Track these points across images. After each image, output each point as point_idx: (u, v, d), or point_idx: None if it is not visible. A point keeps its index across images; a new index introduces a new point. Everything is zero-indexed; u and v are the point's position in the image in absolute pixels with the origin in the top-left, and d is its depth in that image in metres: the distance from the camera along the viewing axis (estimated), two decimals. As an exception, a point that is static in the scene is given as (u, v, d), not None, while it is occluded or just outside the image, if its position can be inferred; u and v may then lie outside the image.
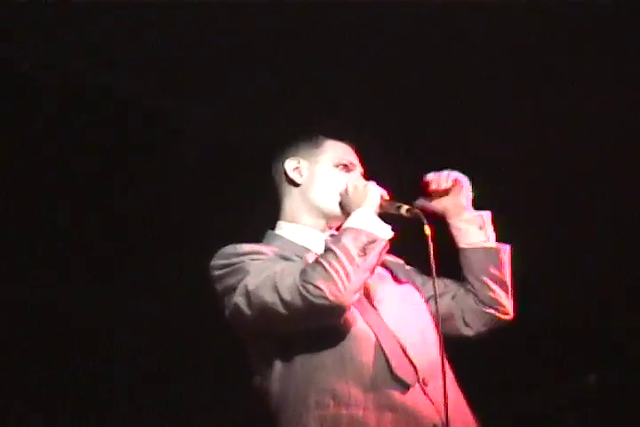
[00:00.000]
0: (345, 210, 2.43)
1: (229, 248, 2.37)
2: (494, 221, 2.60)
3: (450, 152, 3.88)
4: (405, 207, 2.40)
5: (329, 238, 2.35)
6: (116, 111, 3.64)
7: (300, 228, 2.50)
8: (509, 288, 2.54)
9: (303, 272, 2.16)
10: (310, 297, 2.12)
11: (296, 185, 2.53)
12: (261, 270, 2.25)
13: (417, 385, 2.25)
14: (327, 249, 2.21)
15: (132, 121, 3.69)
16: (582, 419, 4.83)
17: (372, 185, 2.43)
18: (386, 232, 2.26)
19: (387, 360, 2.26)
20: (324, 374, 2.22)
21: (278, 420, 2.28)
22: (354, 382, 2.22)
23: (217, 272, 2.34)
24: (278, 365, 2.29)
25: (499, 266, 2.53)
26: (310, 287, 2.12)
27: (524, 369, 4.80)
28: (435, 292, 2.34)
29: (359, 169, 2.58)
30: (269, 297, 2.18)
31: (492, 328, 2.56)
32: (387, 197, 2.44)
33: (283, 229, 2.52)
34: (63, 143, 3.57)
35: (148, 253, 3.79)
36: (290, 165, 2.54)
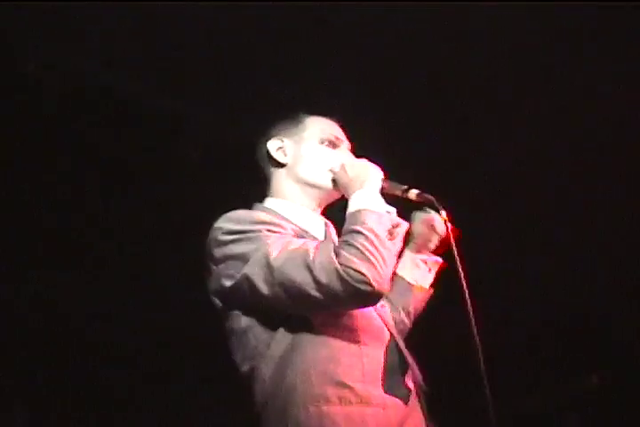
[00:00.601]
0: (342, 189, 2.33)
1: (242, 213, 2.24)
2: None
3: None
4: (415, 191, 2.32)
5: (349, 218, 2.19)
6: (115, 111, 3.63)
7: (290, 204, 2.39)
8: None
9: (338, 254, 2.06)
10: (353, 282, 2.03)
11: (282, 165, 2.43)
12: (284, 245, 2.13)
13: (414, 391, 2.24)
14: (352, 231, 2.11)
15: (131, 121, 3.68)
16: (582, 419, 4.83)
17: (371, 164, 2.34)
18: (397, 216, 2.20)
19: (404, 361, 2.24)
20: (340, 368, 2.11)
21: (269, 410, 2.12)
22: (371, 380, 2.13)
23: (225, 237, 2.19)
24: (279, 349, 2.14)
25: (425, 306, 2.61)
26: (351, 272, 2.03)
27: (523, 369, 4.81)
28: (461, 288, 2.22)
29: (346, 144, 2.49)
30: (300, 276, 2.06)
31: None
32: (384, 177, 2.35)
33: (272, 203, 2.40)
34: (63, 143, 3.57)
35: (149, 254, 3.79)
36: (273, 145, 2.44)
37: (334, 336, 2.15)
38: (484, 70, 3.63)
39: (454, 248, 2.25)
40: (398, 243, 2.15)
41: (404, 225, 2.18)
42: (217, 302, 2.25)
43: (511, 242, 4.50)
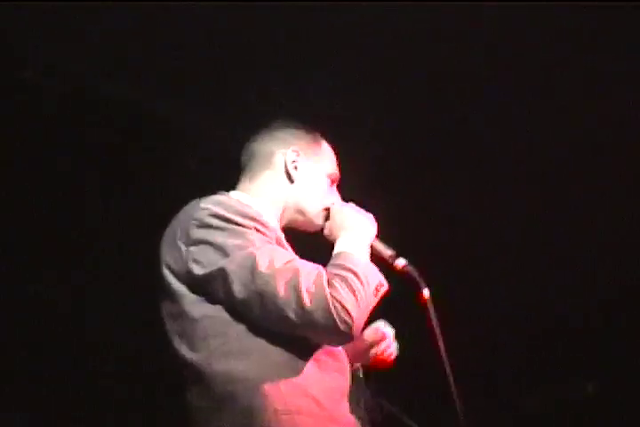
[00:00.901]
0: (331, 229, 2.24)
1: (233, 202, 2.10)
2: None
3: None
4: (403, 261, 2.26)
5: (343, 255, 2.10)
6: (115, 114, 3.63)
7: (269, 208, 2.24)
8: None
9: (332, 285, 1.97)
10: (337, 317, 1.94)
11: (286, 179, 2.29)
12: (272, 253, 2.02)
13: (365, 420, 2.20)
14: (347, 269, 2.03)
15: (131, 124, 3.68)
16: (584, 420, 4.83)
17: (370, 218, 2.26)
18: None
19: (360, 389, 2.21)
20: (308, 381, 2.02)
21: (227, 408, 1.98)
22: (335, 399, 2.06)
23: (210, 220, 2.04)
24: (235, 348, 2.01)
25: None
26: (339, 307, 1.95)
27: (523, 369, 4.82)
28: (445, 366, 2.17)
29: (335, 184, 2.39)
30: (285, 293, 1.95)
31: None
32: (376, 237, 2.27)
33: (247, 201, 2.19)
34: (63, 145, 3.57)
35: (148, 254, 3.79)
36: (291, 156, 2.29)
37: (298, 348, 2.04)
38: (484, 70, 3.64)
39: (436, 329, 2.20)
40: (376, 301, 2.07)
41: (385, 287, 2.09)
42: (173, 280, 2.08)
43: (511, 243, 4.51)
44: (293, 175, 2.29)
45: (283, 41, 3.43)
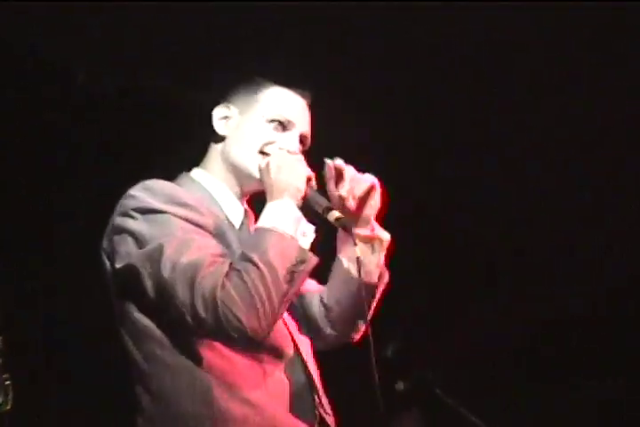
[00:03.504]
0: (263, 184, 2.07)
1: (166, 187, 1.99)
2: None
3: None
4: (336, 214, 2.05)
5: (253, 235, 1.95)
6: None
7: (218, 183, 2.14)
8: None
9: (224, 286, 1.83)
10: (227, 326, 1.83)
11: (220, 137, 2.16)
12: (185, 246, 1.88)
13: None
14: (248, 259, 1.87)
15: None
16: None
17: (301, 167, 2.06)
18: (309, 245, 1.96)
19: (311, 382, 2.04)
20: (244, 385, 1.91)
21: (161, 412, 1.92)
22: (276, 402, 1.94)
23: (134, 205, 1.94)
24: (161, 348, 1.93)
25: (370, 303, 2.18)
26: (229, 315, 1.82)
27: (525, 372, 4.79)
28: (368, 332, 1.99)
29: (300, 129, 2.17)
30: (181, 294, 1.85)
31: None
32: (314, 184, 2.09)
33: (201, 177, 2.15)
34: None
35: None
36: (218, 112, 2.16)
37: (230, 348, 1.93)
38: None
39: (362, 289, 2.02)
40: (296, 285, 1.90)
41: (311, 262, 1.94)
42: (109, 268, 2.02)
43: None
44: (223, 131, 2.16)
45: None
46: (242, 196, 2.19)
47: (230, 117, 2.16)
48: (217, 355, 1.93)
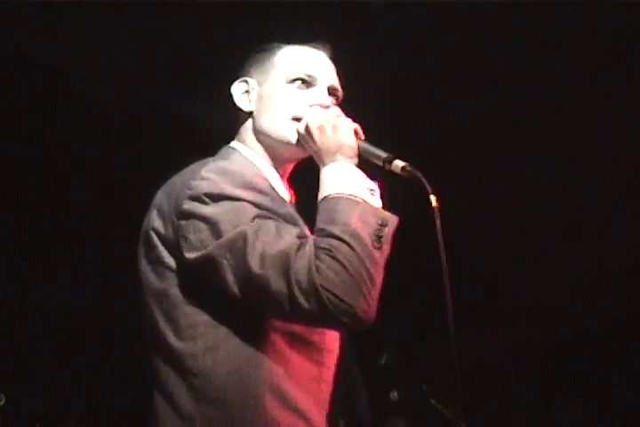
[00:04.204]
0: (309, 151, 1.91)
1: (237, 171, 1.81)
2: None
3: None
4: (401, 164, 1.85)
5: (323, 208, 1.78)
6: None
7: (262, 161, 1.97)
8: None
9: (320, 270, 1.67)
10: (335, 312, 1.66)
11: (247, 114, 1.98)
12: (269, 234, 1.72)
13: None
14: (331, 235, 1.70)
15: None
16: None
17: (343, 121, 1.89)
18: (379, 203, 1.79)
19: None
20: (298, 392, 1.80)
21: (205, 411, 1.76)
22: (322, 410, 1.84)
23: (207, 190, 1.76)
24: (221, 348, 1.78)
25: None
26: (335, 300, 1.65)
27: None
28: (445, 281, 1.80)
29: (326, 82, 1.99)
30: (276, 285, 1.68)
31: None
32: (362, 136, 1.92)
33: (247, 153, 1.97)
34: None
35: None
36: (237, 88, 2.00)
37: (294, 349, 1.80)
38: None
39: (440, 240, 1.79)
40: (386, 250, 1.74)
41: (393, 222, 1.76)
42: (161, 247, 1.84)
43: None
44: (247, 106, 1.99)
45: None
46: (283, 172, 2.01)
47: (251, 90, 1.99)
48: (276, 357, 1.79)
